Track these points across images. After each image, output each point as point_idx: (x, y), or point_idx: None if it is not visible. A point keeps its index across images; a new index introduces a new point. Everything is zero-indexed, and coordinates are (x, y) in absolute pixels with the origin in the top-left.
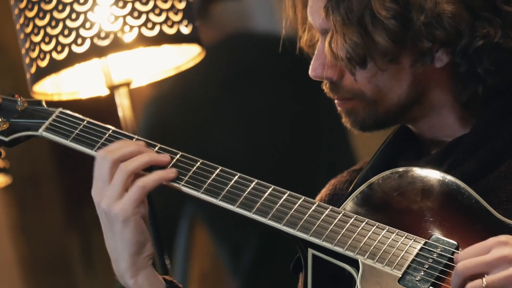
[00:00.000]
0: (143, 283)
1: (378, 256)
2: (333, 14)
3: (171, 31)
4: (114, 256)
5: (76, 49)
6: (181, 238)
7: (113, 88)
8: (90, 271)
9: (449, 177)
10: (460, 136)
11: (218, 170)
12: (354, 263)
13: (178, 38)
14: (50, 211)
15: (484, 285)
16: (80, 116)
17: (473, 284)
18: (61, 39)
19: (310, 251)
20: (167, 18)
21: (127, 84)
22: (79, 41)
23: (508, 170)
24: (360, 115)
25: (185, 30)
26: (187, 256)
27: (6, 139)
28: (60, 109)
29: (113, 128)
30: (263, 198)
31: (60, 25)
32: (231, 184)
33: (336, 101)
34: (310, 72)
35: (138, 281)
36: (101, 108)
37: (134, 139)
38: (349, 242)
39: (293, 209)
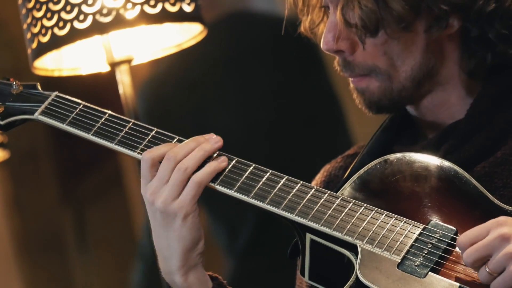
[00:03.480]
0: (193, 282)
1: (377, 241)
2: None
3: (173, 9)
4: (166, 254)
5: (78, 25)
6: None
7: (114, 65)
8: (83, 248)
9: (446, 163)
10: (455, 121)
11: (215, 154)
12: (352, 248)
13: (180, 16)
14: (46, 187)
15: (487, 271)
16: (77, 100)
17: (480, 274)
18: (63, 15)
19: (308, 236)
20: None
21: (128, 61)
22: (81, 17)
23: (504, 156)
24: (376, 95)
25: (188, 8)
26: None
27: (2, 122)
28: (56, 93)
29: (109, 112)
30: (261, 183)
31: (63, 1)
32: (228, 168)
33: (350, 79)
34: (322, 45)
35: (189, 280)
36: (102, 85)
37: (131, 123)
38: (348, 227)
39: (291, 194)
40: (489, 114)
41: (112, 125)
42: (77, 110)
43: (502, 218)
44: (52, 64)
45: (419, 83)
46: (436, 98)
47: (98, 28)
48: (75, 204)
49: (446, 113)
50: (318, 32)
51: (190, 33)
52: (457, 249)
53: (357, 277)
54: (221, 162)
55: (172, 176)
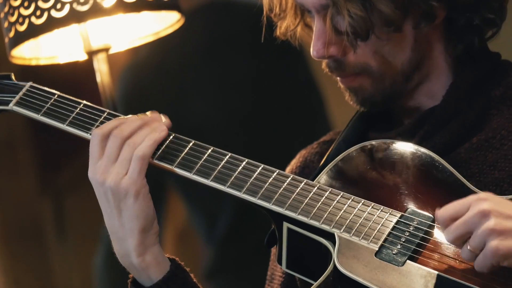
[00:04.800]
0: (150, 262)
1: (354, 230)
2: None
3: None
4: (120, 235)
5: (55, 14)
6: (156, 206)
7: (91, 54)
8: (62, 237)
9: (423, 150)
10: (431, 107)
11: (191, 144)
12: (330, 237)
13: (158, 5)
14: (25, 177)
15: (469, 249)
16: (51, 90)
17: (462, 252)
18: (40, 3)
19: (285, 225)
20: None
21: (106, 50)
22: (59, 6)
23: (479, 142)
24: (368, 91)
25: None
26: (161, 224)
27: None
28: (31, 83)
29: (84, 102)
30: (237, 172)
31: None
32: (204, 158)
33: (339, 79)
34: (312, 53)
35: (146, 260)
36: (79, 73)
37: (106, 113)
38: (325, 215)
39: (267, 183)
40: (465, 100)
41: (87, 115)
42: (52, 100)
43: (483, 194)
44: (29, 53)
45: (409, 77)
46: (421, 89)
47: (75, 16)
48: (53, 194)
49: (427, 102)
50: (296, 35)
51: (168, 22)
52: (435, 236)
53: (334, 266)
54: (160, 132)
55: (122, 152)
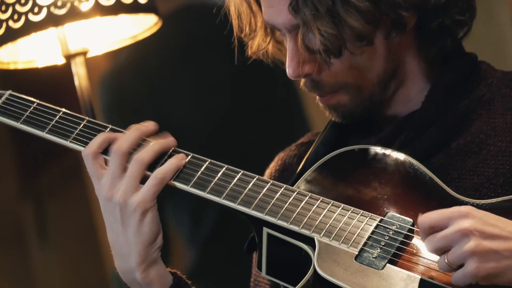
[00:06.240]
0: (153, 277)
1: (334, 234)
2: (301, 10)
3: (128, 0)
4: (124, 251)
5: (32, 17)
6: None
7: (69, 57)
8: (43, 240)
9: (402, 155)
10: (411, 112)
11: (170, 151)
12: (310, 241)
13: (135, 8)
14: (5, 180)
15: (446, 262)
16: (30, 98)
17: (439, 262)
18: (18, 7)
19: (265, 230)
20: None
21: (84, 53)
22: (36, 9)
23: (458, 147)
24: (347, 107)
25: None
26: None
27: None
28: (10, 92)
29: (63, 109)
30: (216, 178)
31: None
32: (184, 164)
33: (318, 98)
34: (288, 72)
35: (149, 275)
36: (57, 77)
37: (85, 121)
38: (305, 220)
39: (247, 189)
40: (444, 105)
41: (66, 122)
42: (31, 108)
43: (464, 209)
44: (7, 57)
45: (386, 86)
46: (398, 95)
47: (53, 20)
48: (34, 198)
49: (405, 108)
50: (269, 52)
51: (145, 25)
52: (414, 240)
53: (315, 270)
54: (181, 159)
55: (129, 168)
